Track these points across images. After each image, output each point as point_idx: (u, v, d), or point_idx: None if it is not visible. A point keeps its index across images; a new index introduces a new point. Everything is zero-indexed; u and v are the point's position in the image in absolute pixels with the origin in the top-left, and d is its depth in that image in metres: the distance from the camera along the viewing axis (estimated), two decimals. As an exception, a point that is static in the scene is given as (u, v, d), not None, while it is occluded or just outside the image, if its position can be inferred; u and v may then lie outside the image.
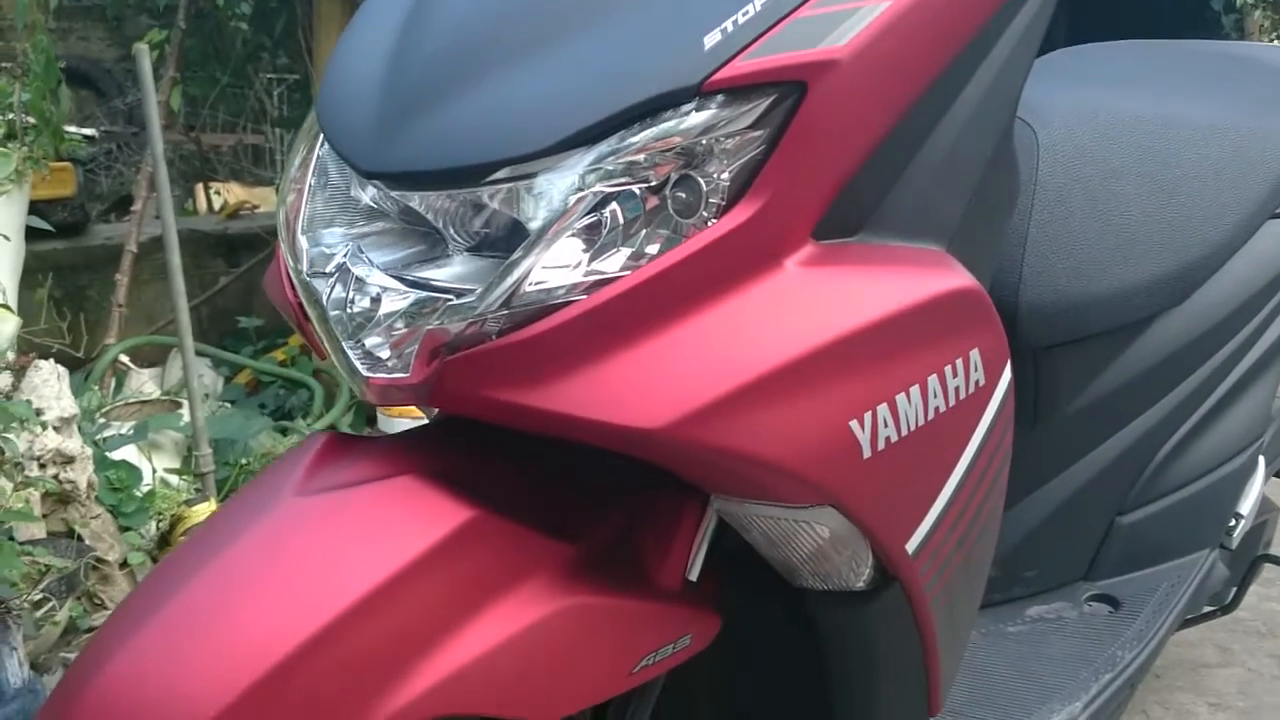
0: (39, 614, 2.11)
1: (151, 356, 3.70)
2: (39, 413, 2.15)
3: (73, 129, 4.05)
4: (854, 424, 0.88)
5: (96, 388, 3.24)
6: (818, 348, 0.86)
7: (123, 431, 2.91)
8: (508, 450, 1.02)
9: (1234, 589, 1.97)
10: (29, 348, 2.93)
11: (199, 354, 3.27)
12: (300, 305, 0.96)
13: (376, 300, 0.91)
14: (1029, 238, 1.49)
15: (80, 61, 6.02)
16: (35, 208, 3.54)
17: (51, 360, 2.51)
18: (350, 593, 0.84)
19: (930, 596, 1.04)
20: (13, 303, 2.98)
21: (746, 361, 0.84)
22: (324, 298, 0.93)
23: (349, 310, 0.92)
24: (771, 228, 0.87)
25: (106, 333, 3.45)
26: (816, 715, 1.19)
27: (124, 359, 3.44)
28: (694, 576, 1.03)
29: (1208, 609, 1.97)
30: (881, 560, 0.99)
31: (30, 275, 3.37)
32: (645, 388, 0.83)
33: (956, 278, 0.94)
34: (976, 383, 0.96)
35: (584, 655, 0.93)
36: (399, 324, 0.89)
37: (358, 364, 0.91)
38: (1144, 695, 2.21)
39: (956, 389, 0.94)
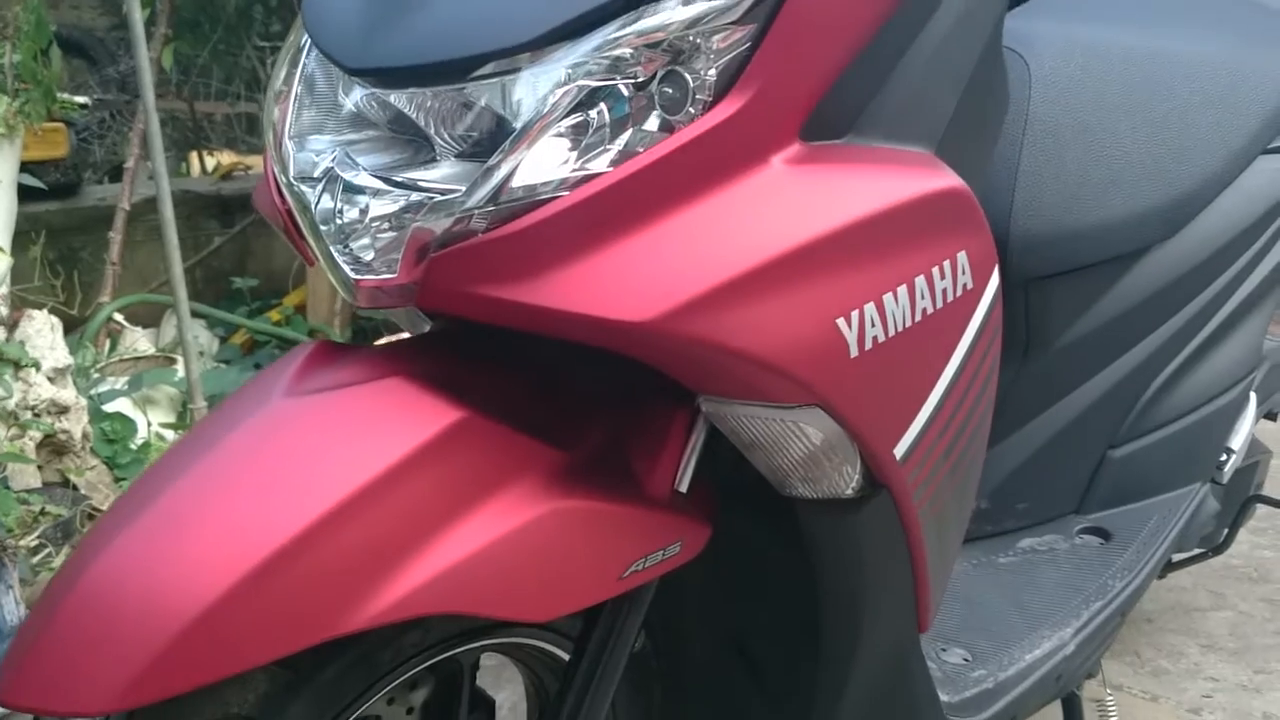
0: (35, 560, 2.11)
1: (146, 318, 3.69)
2: (36, 366, 2.15)
3: (66, 96, 4.04)
4: (841, 322, 0.88)
5: (91, 345, 3.24)
6: (805, 244, 0.86)
7: (117, 386, 2.92)
8: (498, 360, 1.02)
9: (1225, 530, 1.98)
10: (22, 305, 2.93)
11: (194, 314, 3.27)
12: (289, 213, 0.96)
13: (364, 203, 0.91)
14: (1020, 168, 1.49)
15: (72, 30, 5.98)
16: (28, 168, 3.54)
17: (45, 311, 2.51)
18: (337, 491, 0.84)
19: (918, 506, 1.04)
20: (4, 272, 2.98)
21: (734, 256, 0.84)
22: (312, 203, 0.93)
23: (337, 214, 0.92)
24: (758, 124, 0.86)
25: (100, 292, 3.44)
26: (807, 635, 1.19)
27: (118, 318, 3.44)
28: (683, 488, 1.03)
29: (1199, 550, 1.98)
30: (870, 466, 0.99)
31: (23, 236, 3.37)
32: (633, 282, 0.83)
33: (944, 178, 0.94)
34: (964, 286, 0.96)
35: (572, 558, 0.93)
36: (386, 225, 0.89)
37: (346, 268, 0.91)
38: (1135, 637, 2.23)
39: (944, 291, 0.94)
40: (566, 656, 1.14)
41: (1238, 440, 1.76)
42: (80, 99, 4.60)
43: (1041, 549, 1.61)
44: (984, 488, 1.62)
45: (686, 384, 0.93)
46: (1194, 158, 1.60)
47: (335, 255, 0.92)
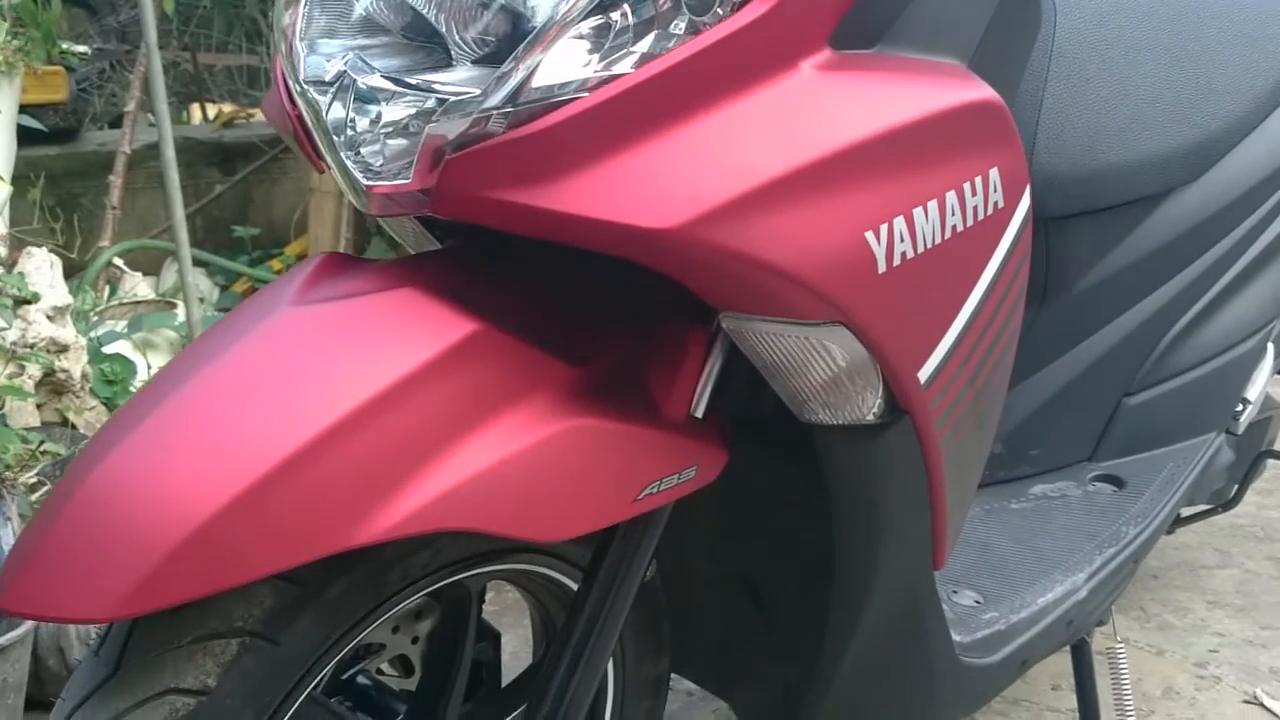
0: (33, 497, 2.09)
1: (146, 265, 3.66)
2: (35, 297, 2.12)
3: (67, 45, 3.99)
4: (869, 235, 0.85)
5: (91, 290, 3.20)
6: (834, 152, 0.83)
7: (117, 329, 2.89)
8: (513, 275, 1.00)
9: (1235, 486, 1.96)
10: (21, 246, 2.90)
11: (195, 262, 3.24)
12: (299, 119, 0.93)
13: (377, 108, 0.88)
14: (1044, 105, 1.46)
15: (72, -24, 5.92)
16: (28, 111, 3.49)
17: (44, 249, 2.48)
18: (346, 401, 0.82)
19: (940, 435, 1.02)
20: (3, 199, 2.94)
21: (761, 163, 0.81)
22: (323, 108, 0.89)
23: (349, 118, 0.89)
24: (787, 28, 0.83)
25: (100, 237, 3.40)
26: (818, 571, 1.17)
27: (118, 262, 3.40)
28: (699, 413, 1.01)
29: (1208, 506, 1.96)
30: (892, 391, 0.97)
31: (23, 181, 3.33)
32: (656, 187, 0.80)
33: (978, 89, 0.91)
34: (995, 204, 0.93)
35: (587, 477, 0.91)
36: (400, 130, 0.86)
37: (357, 174, 0.88)
38: (1141, 594, 2.21)
39: (975, 208, 0.92)
40: (575, 587, 1.12)
41: (1254, 391, 1.73)
42: (80, 48, 4.55)
43: (1054, 495, 1.59)
44: (998, 433, 1.60)
45: (707, 299, 0.90)
46: (1220, 100, 1.56)
47: (347, 161, 0.89)
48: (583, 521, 0.92)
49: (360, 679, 1.15)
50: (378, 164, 0.88)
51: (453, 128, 0.83)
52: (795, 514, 1.21)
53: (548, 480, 0.88)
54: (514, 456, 0.87)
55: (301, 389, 0.83)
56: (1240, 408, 1.73)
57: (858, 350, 0.92)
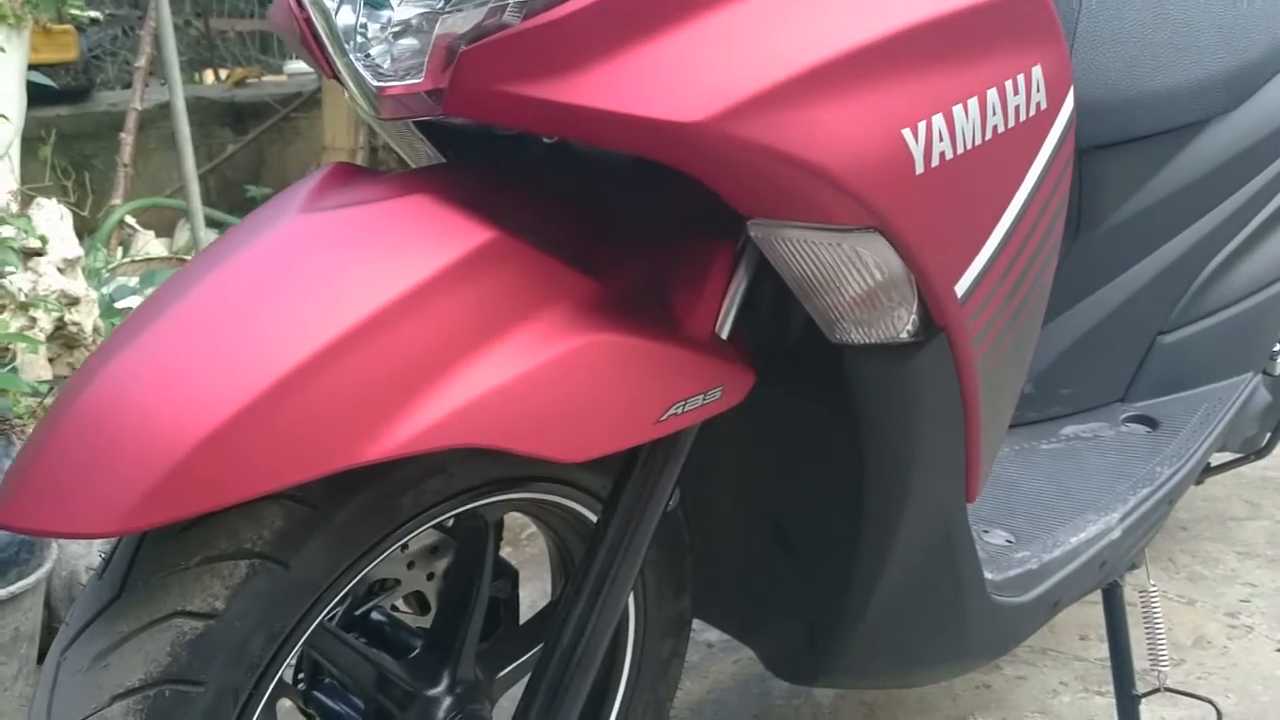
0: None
1: (158, 226, 3.63)
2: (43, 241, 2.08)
3: (78, 9, 3.95)
4: (907, 133, 0.81)
5: (103, 247, 3.17)
6: (871, 43, 0.78)
7: (129, 285, 2.86)
8: (528, 189, 0.96)
9: (1269, 434, 1.91)
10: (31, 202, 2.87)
11: (208, 222, 3.21)
12: (307, 21, 0.89)
13: (387, 10, 0.83)
14: (1079, 28, 1.40)
15: (83, -61, 5.87)
16: (39, 71, 3.46)
17: (54, 200, 2.45)
18: (357, 311, 0.78)
19: (976, 354, 0.97)
20: (16, 156, 2.90)
21: (793, 54, 0.77)
22: (332, 8, 0.85)
23: (358, 22, 0.84)
24: (820, -89, 0.79)
25: (112, 196, 3.37)
26: (847, 505, 1.13)
27: (130, 221, 3.37)
28: (724, 332, 0.97)
29: (1239, 454, 1.91)
30: (928, 306, 0.92)
31: (34, 142, 3.30)
32: (681, 78, 0.76)
33: (1020, -21, 0.86)
34: (1038, 105, 0.89)
35: (608, 395, 0.86)
36: (411, 27, 0.82)
37: (368, 76, 0.84)
38: (1171, 545, 2.17)
39: (1017, 109, 0.87)
40: (594, 518, 1.08)
41: (1292, 330, 1.68)
42: (93, 13, 4.50)
43: (1086, 436, 1.55)
44: (1028, 371, 1.55)
45: (735, 203, 0.86)
46: (1261, 24, 1.51)
47: (356, 64, 0.85)
48: (604, 442, 0.87)
49: (375, 615, 1.12)
50: (387, 65, 0.83)
51: (466, 20, 0.79)
52: (824, 447, 1.17)
53: (567, 397, 0.84)
54: (532, 371, 0.83)
55: (311, 297, 0.79)
56: (1278, 347, 1.68)
57: (893, 260, 0.87)
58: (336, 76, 0.88)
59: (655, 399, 0.90)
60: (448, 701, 1.04)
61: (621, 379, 0.87)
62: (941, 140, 0.83)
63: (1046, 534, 1.36)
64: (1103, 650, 1.59)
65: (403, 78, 0.83)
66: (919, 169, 0.82)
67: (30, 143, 3.27)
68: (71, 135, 3.82)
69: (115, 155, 3.46)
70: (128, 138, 3.37)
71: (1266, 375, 1.68)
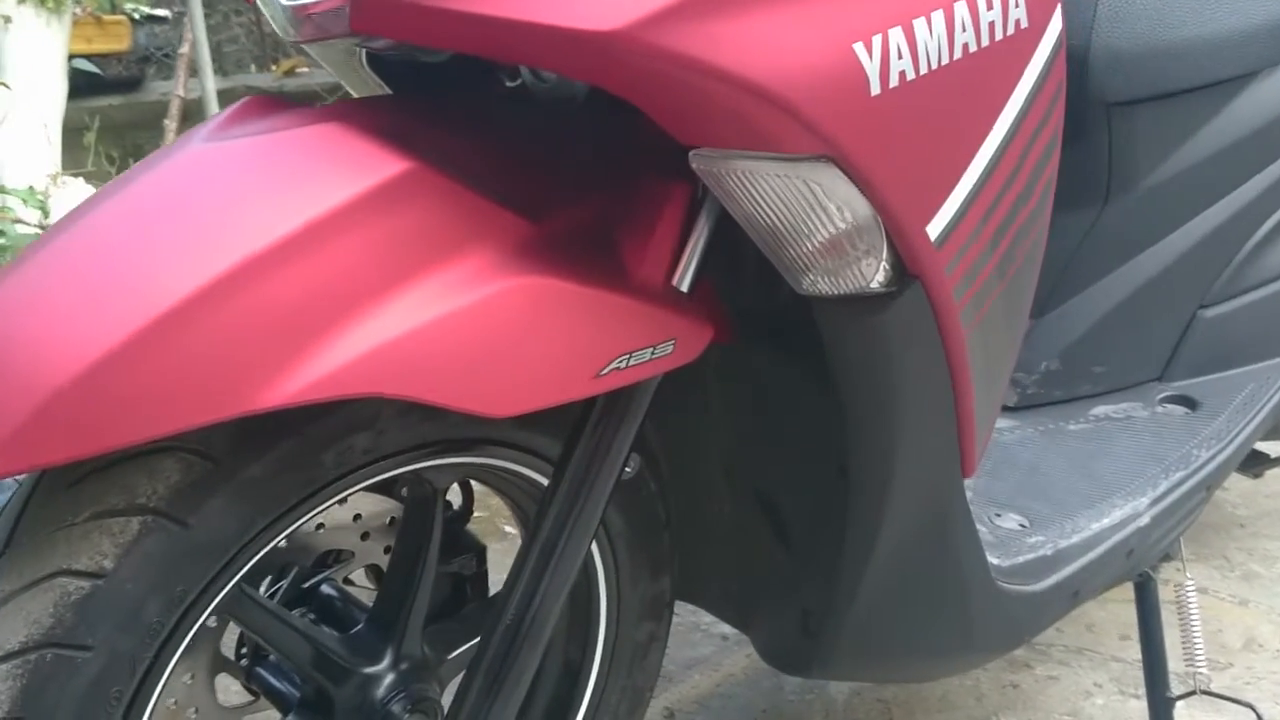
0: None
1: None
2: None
3: (145, 8, 3.99)
4: (859, 48, 0.72)
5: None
6: (813, -58, 0.70)
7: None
8: (471, 126, 0.89)
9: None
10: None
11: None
12: None
13: None
14: (1105, -29, 1.30)
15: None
16: (91, 60, 3.49)
17: (81, 179, 2.44)
18: (256, 241, 0.71)
19: (959, 307, 0.88)
20: (57, 140, 2.91)
21: (723, -46, 0.68)
22: None
23: None
24: None
25: (156, 181, 3.37)
26: (834, 480, 1.04)
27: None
28: (684, 286, 0.89)
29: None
30: (899, 252, 0.83)
31: (81, 131, 3.33)
32: (597, -17, 0.68)
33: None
34: (1016, 22, 0.79)
35: (540, 344, 0.79)
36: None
37: (278, -5, 0.78)
38: (1224, 542, 2.04)
39: (991, 25, 0.78)
40: (551, 485, 1.00)
41: (1349, 306, 1.55)
42: (160, 11, 4.54)
43: (1117, 417, 1.43)
44: (1054, 346, 1.45)
45: (671, 130, 0.77)
46: (1313, -30, 1.39)
47: None
48: (535, 395, 0.80)
49: (326, 588, 1.05)
50: None
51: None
52: (811, 416, 1.08)
53: (491, 345, 0.77)
54: (451, 315, 0.75)
55: (202, 229, 0.73)
56: (1334, 324, 1.55)
57: (853, 197, 0.79)
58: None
59: (595, 350, 0.82)
60: (389, 679, 0.97)
61: (555, 327, 0.80)
62: (901, 58, 0.74)
63: (1065, 519, 1.26)
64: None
65: (311, -6, 0.76)
66: (875, 89, 0.73)
67: (77, 131, 3.29)
68: (124, 124, 3.85)
69: (162, 142, 3.47)
70: (171, 125, 3.38)
71: (1320, 355, 1.55)
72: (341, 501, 1.04)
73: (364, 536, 1.07)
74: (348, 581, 1.11)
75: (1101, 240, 1.41)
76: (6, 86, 2.42)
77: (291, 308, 0.72)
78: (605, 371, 0.83)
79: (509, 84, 1.01)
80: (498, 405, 0.78)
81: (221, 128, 0.81)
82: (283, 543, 1.00)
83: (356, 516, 1.06)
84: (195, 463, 0.78)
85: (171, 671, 0.82)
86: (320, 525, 1.04)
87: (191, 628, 0.82)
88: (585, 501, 0.91)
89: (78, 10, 3.17)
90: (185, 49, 3.46)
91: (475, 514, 1.16)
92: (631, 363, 0.84)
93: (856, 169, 0.76)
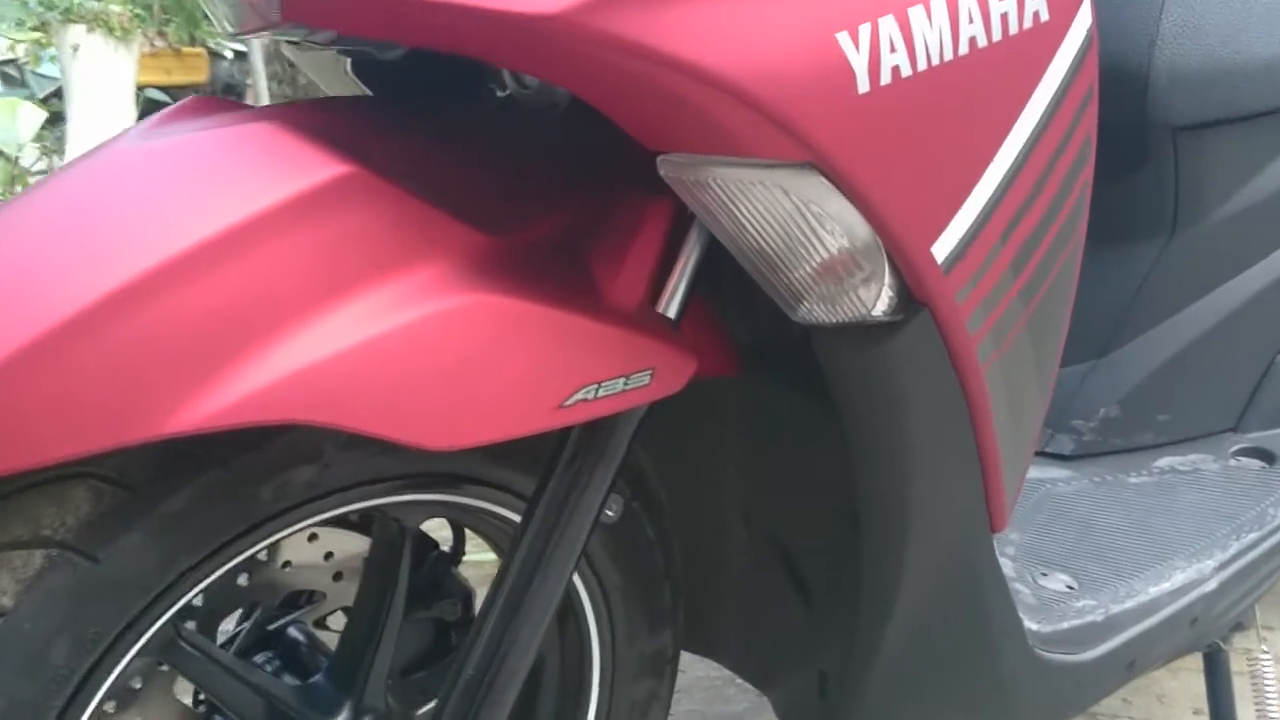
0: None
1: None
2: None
3: (230, 46, 4.06)
4: (844, 38, 0.63)
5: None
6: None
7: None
8: (441, 135, 0.82)
9: None
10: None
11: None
12: None
13: None
14: (1170, -17, 1.19)
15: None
16: (168, 92, 3.54)
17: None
18: (170, 245, 0.64)
19: (976, 339, 0.78)
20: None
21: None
22: None
23: None
24: None
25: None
26: (852, 530, 0.94)
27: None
28: (672, 313, 0.80)
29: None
30: (903, 275, 0.74)
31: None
32: (538, -38, 0.60)
33: None
34: (1035, 15, 0.69)
35: (491, 369, 0.70)
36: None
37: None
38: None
39: (1004, 18, 0.68)
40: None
41: None
42: (239, 45, 4.61)
43: (1184, 469, 1.31)
44: (1115, 391, 1.33)
45: (634, 132, 0.69)
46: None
47: None
48: (485, 426, 0.71)
49: (291, 632, 0.98)
50: None
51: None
52: (827, 461, 0.98)
53: (435, 368, 0.69)
54: (390, 334, 0.67)
55: (110, 232, 0.66)
56: None
57: (845, 211, 0.69)
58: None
59: (558, 378, 0.73)
60: (343, 735, 0.89)
61: (510, 351, 0.71)
62: (894, 51, 0.65)
63: (1119, 581, 1.14)
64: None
65: (246, -17, 0.70)
66: (863, 86, 0.64)
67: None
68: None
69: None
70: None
71: None
72: (311, 538, 0.98)
73: (336, 577, 0.99)
74: (322, 626, 1.03)
75: (1168, 276, 1.29)
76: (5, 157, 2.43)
77: (206, 322, 0.64)
78: (570, 402, 0.74)
79: (500, 94, 0.94)
80: (438, 436, 0.70)
81: (153, 126, 0.75)
82: (243, 580, 0.95)
83: (328, 555, 0.98)
84: (108, 492, 0.71)
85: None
86: (287, 563, 0.96)
87: (110, 674, 0.74)
88: (557, 548, 0.82)
89: (152, 42, 3.20)
90: (251, 81, 3.49)
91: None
92: (601, 393, 0.75)
93: (844, 177, 0.67)
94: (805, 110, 0.63)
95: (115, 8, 3.06)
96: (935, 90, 0.67)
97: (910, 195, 0.70)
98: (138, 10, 3.09)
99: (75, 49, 2.72)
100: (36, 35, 3.50)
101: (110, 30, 2.82)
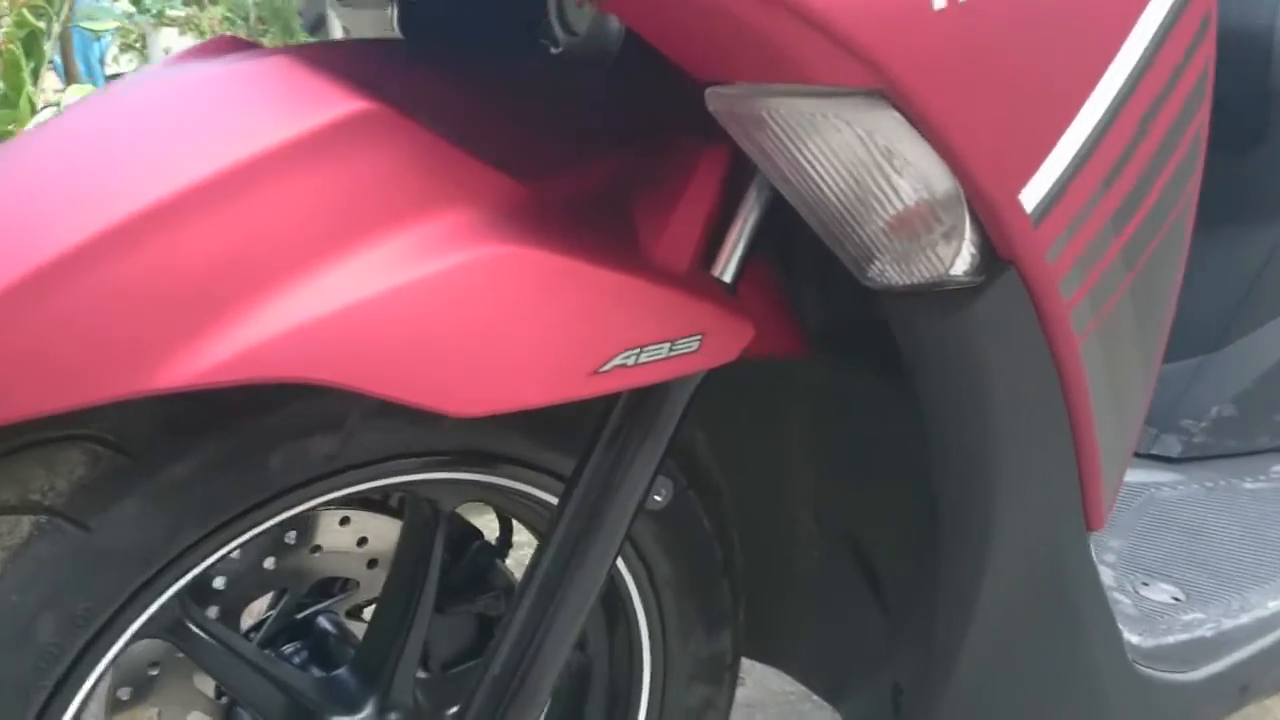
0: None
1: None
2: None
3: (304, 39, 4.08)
4: (916, -57, 0.55)
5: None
6: None
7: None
8: (471, 77, 0.75)
9: None
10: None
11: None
12: None
13: None
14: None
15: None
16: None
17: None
18: (170, 183, 0.59)
19: (1070, 304, 0.68)
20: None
21: None
22: None
23: None
24: None
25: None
26: (928, 529, 0.85)
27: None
28: (728, 276, 0.73)
29: None
30: (986, 228, 0.65)
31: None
32: None
33: None
34: (1143, -76, 0.60)
35: (519, 328, 0.63)
36: None
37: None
38: None
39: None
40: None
41: None
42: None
43: (1307, 475, 1.19)
44: (1229, 388, 1.21)
45: (681, 60, 0.61)
46: None
47: None
48: (511, 392, 0.64)
49: (321, 621, 0.92)
50: None
51: None
52: (908, 448, 0.89)
53: (457, 325, 0.62)
54: (408, 287, 0.61)
55: (110, 169, 0.61)
56: None
57: (920, 152, 0.61)
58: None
59: (594, 341, 0.66)
60: (366, 732, 0.82)
61: (541, 309, 0.64)
62: (976, -40, 0.56)
63: (1232, 594, 1.03)
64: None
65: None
66: (938, 2, 0.56)
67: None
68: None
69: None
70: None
71: None
72: (344, 522, 0.92)
73: (370, 564, 0.93)
74: (357, 618, 0.97)
75: (1288, 263, 1.17)
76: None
77: (205, 268, 0.58)
78: (607, 368, 0.66)
79: (553, 51, 0.88)
80: (459, 401, 0.63)
81: (171, 63, 0.69)
82: (269, 564, 0.89)
83: (362, 540, 0.92)
84: (102, 455, 0.65)
85: (81, 705, 0.69)
86: (317, 548, 0.90)
87: (105, 655, 0.69)
88: (598, 532, 0.75)
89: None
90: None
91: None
92: (643, 359, 0.68)
93: (918, 109, 0.58)
94: (871, 27, 0.55)
95: (216, 10, 3.09)
96: (1021, 11, 0.58)
97: (994, 132, 0.61)
98: (229, 15, 3.11)
99: (167, 52, 2.75)
100: (133, 39, 3.56)
101: (201, 34, 2.84)
